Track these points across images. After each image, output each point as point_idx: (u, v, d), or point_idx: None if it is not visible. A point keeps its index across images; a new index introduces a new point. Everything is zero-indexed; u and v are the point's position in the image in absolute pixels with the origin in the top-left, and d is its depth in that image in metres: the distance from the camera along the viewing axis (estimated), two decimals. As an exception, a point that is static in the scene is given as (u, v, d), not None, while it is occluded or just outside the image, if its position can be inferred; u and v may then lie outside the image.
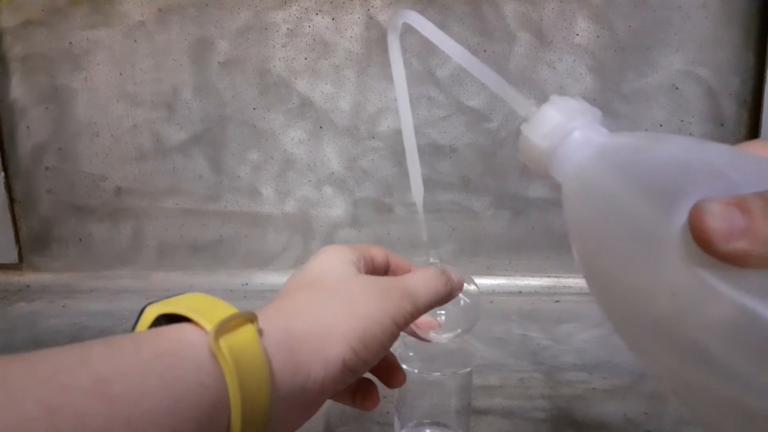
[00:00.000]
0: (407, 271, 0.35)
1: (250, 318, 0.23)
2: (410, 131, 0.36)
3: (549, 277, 0.74)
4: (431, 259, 0.37)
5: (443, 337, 0.36)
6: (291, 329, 0.25)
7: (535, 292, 0.72)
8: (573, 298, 0.71)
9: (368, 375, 0.33)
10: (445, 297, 0.32)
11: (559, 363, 0.54)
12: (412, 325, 0.36)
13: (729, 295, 0.18)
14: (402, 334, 0.38)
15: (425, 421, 0.40)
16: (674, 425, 0.44)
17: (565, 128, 0.27)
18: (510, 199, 0.72)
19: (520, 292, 0.73)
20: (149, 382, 0.19)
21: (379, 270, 0.33)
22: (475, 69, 0.32)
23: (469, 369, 0.39)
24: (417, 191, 0.37)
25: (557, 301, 0.71)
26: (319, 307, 0.26)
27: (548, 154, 0.27)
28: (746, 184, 0.19)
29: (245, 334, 0.23)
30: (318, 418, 0.45)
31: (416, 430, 0.40)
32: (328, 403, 0.46)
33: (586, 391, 0.49)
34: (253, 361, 0.22)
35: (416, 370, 0.38)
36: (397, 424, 0.40)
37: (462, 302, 0.36)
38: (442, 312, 0.36)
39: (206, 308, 0.23)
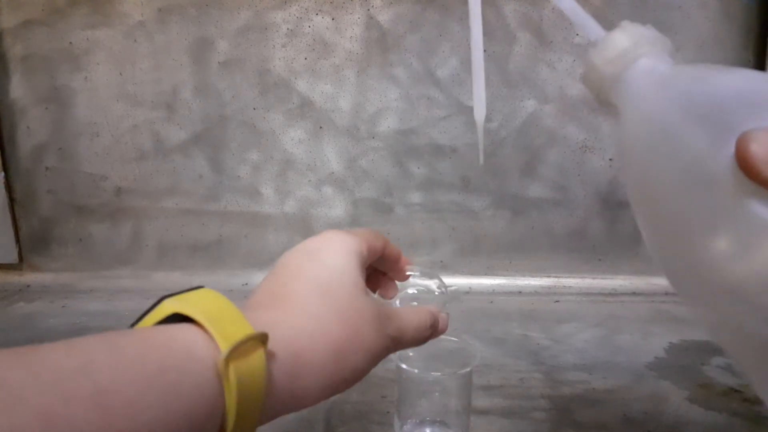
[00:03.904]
0: (397, 259, 0.35)
1: (263, 339, 0.23)
2: (479, 46, 0.35)
3: (549, 277, 0.74)
4: (412, 271, 0.38)
5: None
6: (300, 356, 0.25)
7: (535, 292, 0.72)
8: (573, 298, 0.71)
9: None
10: (425, 341, 0.33)
11: (559, 363, 0.54)
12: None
13: None
14: None
15: (425, 420, 0.40)
16: (674, 425, 0.44)
17: (632, 55, 0.27)
18: (510, 199, 0.72)
19: (520, 292, 0.73)
20: (149, 397, 0.19)
21: (376, 257, 0.34)
22: None
23: (469, 369, 0.39)
24: (479, 110, 0.36)
25: (557, 301, 0.71)
26: (330, 332, 0.26)
27: (612, 79, 0.27)
28: None
29: (255, 361, 0.22)
30: (318, 419, 0.45)
31: (416, 430, 0.40)
32: (328, 403, 0.47)
33: (586, 391, 0.49)
34: (255, 388, 0.22)
35: (416, 370, 0.38)
36: (397, 423, 0.40)
37: (433, 297, 0.37)
38: (415, 303, 0.37)
39: (223, 319, 0.23)
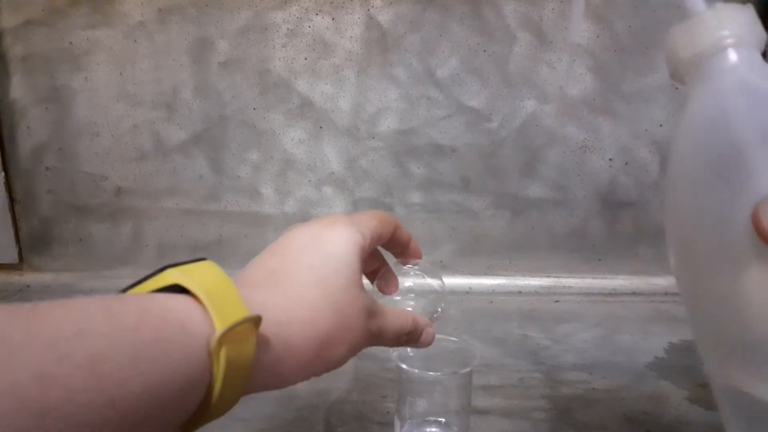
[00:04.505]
0: (406, 244, 0.36)
1: (256, 322, 0.24)
2: None
3: (549, 277, 0.74)
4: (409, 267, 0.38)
5: None
6: (288, 342, 0.26)
7: (535, 292, 0.72)
8: (573, 298, 0.71)
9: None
10: (401, 345, 0.34)
11: (559, 363, 0.54)
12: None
13: None
14: None
15: (425, 420, 0.40)
16: (674, 425, 0.44)
17: (716, 46, 0.25)
18: (510, 199, 0.72)
19: (520, 292, 0.73)
20: (141, 366, 0.20)
21: (380, 243, 0.34)
22: None
23: (469, 369, 0.39)
24: (575, 30, 0.35)
25: (557, 301, 0.71)
26: (320, 323, 0.27)
27: (690, 63, 0.25)
28: None
29: (245, 343, 0.23)
30: (318, 419, 0.45)
31: (416, 430, 0.40)
32: (328, 403, 0.47)
33: (586, 391, 0.49)
34: (242, 368, 0.23)
35: (416, 370, 0.38)
36: (397, 424, 0.40)
37: (429, 296, 0.37)
38: (412, 296, 0.37)
39: (221, 298, 0.23)
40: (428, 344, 0.34)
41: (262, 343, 0.24)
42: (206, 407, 0.22)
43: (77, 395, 0.18)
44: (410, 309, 0.37)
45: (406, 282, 0.37)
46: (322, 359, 0.27)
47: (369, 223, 0.32)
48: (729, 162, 0.22)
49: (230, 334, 0.22)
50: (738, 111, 0.23)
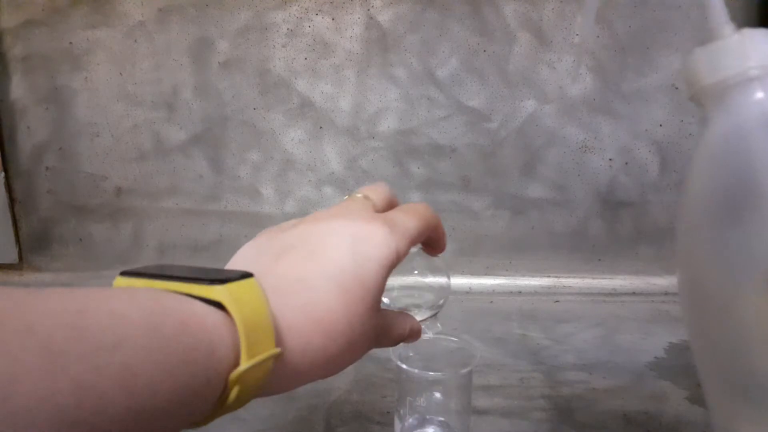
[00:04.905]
0: (438, 240, 0.37)
1: (278, 357, 0.24)
2: None
3: (549, 277, 0.74)
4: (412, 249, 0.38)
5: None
6: (297, 366, 0.26)
7: (535, 292, 0.72)
8: (573, 298, 0.71)
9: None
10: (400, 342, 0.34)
11: (559, 363, 0.54)
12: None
13: None
14: None
15: (425, 420, 0.40)
16: (674, 425, 0.44)
17: (740, 77, 0.23)
18: (510, 199, 0.72)
19: (520, 292, 0.73)
20: (166, 383, 0.20)
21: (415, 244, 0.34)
22: None
23: (469, 369, 0.39)
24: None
25: (557, 301, 0.71)
26: (331, 349, 0.27)
27: (710, 90, 0.24)
28: None
29: (262, 372, 0.24)
30: (318, 419, 0.45)
31: (416, 429, 0.40)
32: (328, 403, 0.47)
33: (586, 391, 0.49)
34: (253, 390, 0.24)
35: (416, 370, 0.38)
36: (397, 424, 0.40)
37: (434, 290, 0.38)
38: (416, 295, 0.38)
39: (256, 332, 0.23)
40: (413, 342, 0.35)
41: (275, 371, 0.25)
42: (213, 415, 0.23)
43: (108, 408, 0.18)
44: (414, 297, 0.38)
45: (414, 272, 0.38)
46: (321, 374, 0.28)
47: (408, 229, 0.31)
48: (747, 202, 0.21)
49: (252, 368, 0.23)
50: (760, 149, 0.22)
